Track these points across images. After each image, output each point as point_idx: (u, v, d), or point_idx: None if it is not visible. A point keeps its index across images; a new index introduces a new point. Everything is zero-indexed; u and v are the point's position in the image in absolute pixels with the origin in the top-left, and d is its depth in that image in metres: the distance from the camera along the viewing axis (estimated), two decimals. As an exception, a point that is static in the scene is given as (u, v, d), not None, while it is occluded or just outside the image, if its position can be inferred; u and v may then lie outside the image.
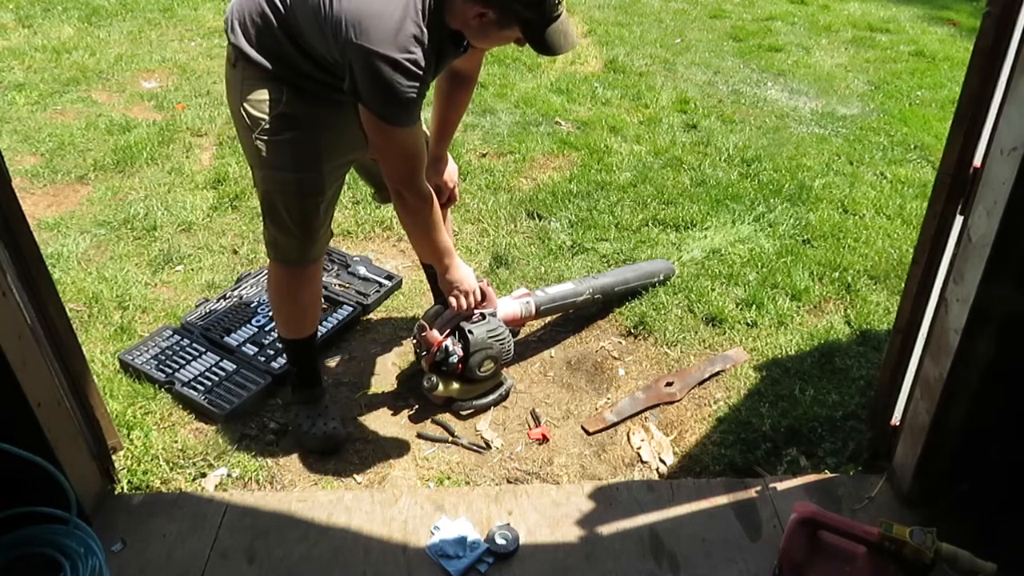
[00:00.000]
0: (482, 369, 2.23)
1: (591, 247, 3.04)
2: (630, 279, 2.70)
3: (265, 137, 1.84)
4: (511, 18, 1.69)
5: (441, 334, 2.22)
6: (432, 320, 2.25)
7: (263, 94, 1.83)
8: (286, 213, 1.92)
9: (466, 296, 2.15)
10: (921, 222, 1.89)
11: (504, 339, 2.26)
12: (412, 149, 1.82)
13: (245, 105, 1.84)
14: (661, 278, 2.78)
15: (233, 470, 2.10)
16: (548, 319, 2.66)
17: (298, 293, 2.09)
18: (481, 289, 2.30)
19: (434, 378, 2.21)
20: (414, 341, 2.32)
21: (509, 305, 2.39)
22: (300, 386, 2.23)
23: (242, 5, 1.82)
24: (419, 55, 1.67)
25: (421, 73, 1.68)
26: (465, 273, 2.13)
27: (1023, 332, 1.68)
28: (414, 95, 1.70)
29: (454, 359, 2.19)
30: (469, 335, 2.19)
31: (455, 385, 2.25)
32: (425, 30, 1.67)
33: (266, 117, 1.83)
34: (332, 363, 2.50)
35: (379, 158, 1.87)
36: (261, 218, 1.99)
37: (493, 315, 2.29)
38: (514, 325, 2.42)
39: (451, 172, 2.30)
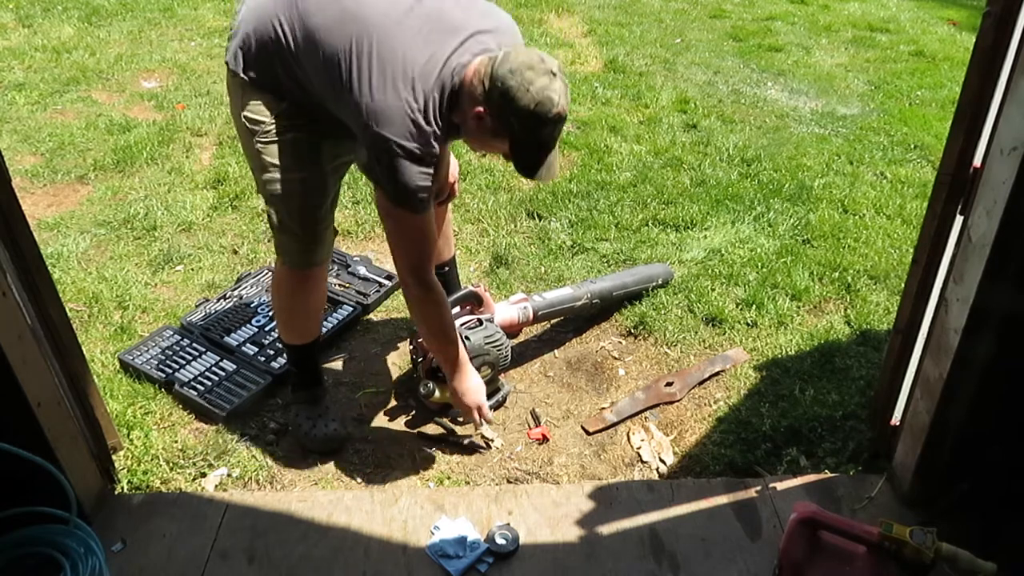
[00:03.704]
0: (479, 375, 2.22)
1: (591, 247, 3.04)
2: (628, 283, 2.70)
3: (266, 139, 1.85)
4: (504, 130, 1.70)
5: None
6: None
7: (264, 98, 1.84)
8: (289, 214, 1.92)
9: (468, 413, 2.09)
10: (921, 222, 1.89)
11: (501, 345, 2.25)
12: (422, 234, 1.84)
13: (246, 112, 1.85)
14: (660, 282, 2.78)
15: (233, 470, 2.10)
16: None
17: (303, 297, 2.08)
18: (478, 295, 2.30)
19: (431, 384, 2.20)
20: (411, 347, 2.31)
21: (506, 311, 2.39)
22: (301, 387, 2.23)
23: (248, 33, 1.81)
24: (435, 148, 1.72)
25: (436, 161, 1.73)
26: (471, 386, 2.06)
27: (1023, 332, 1.68)
28: (428, 183, 1.73)
29: None
30: (466, 341, 2.17)
31: None
32: (442, 124, 1.71)
33: (267, 120, 1.84)
34: (332, 363, 2.50)
35: (390, 244, 1.90)
36: (266, 223, 1.98)
37: (490, 321, 2.28)
38: (511, 331, 2.41)
39: (452, 169, 2.30)
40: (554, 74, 1.66)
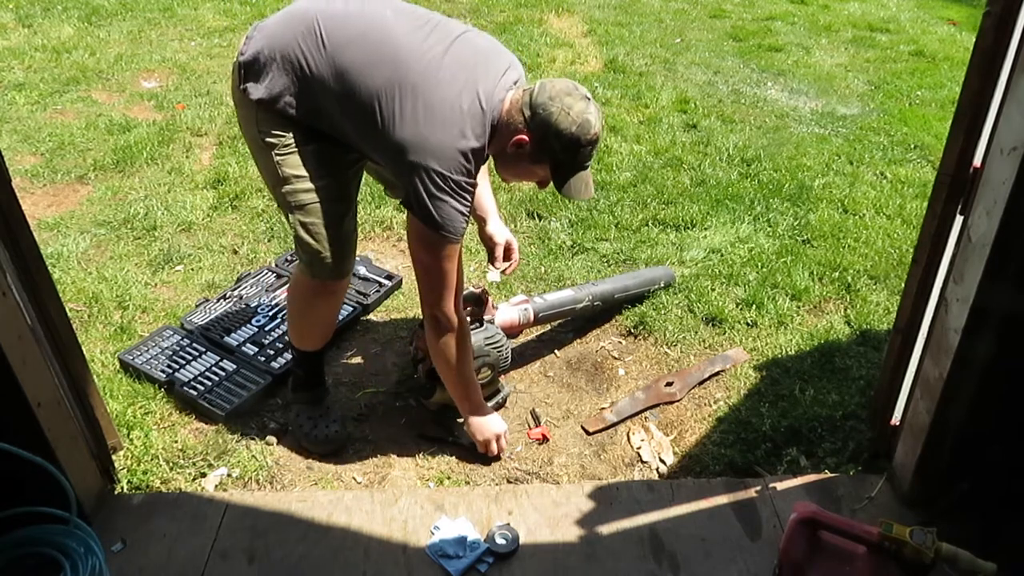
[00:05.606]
0: (478, 376, 2.22)
1: (591, 247, 3.04)
2: (630, 286, 2.70)
3: (286, 152, 1.84)
4: (545, 154, 1.77)
5: None
6: None
7: (282, 122, 1.83)
8: (316, 224, 1.89)
9: (486, 445, 2.13)
10: (921, 222, 1.89)
11: (501, 346, 2.25)
12: (454, 264, 1.87)
13: (262, 131, 1.84)
14: (661, 285, 2.77)
15: (233, 470, 2.10)
16: (548, 319, 2.66)
17: (323, 307, 2.07)
18: (478, 295, 2.29)
19: (430, 385, 2.20)
20: (411, 347, 2.31)
21: (507, 312, 2.39)
22: (303, 387, 2.22)
23: (266, 60, 1.79)
24: (476, 179, 1.79)
25: (474, 189, 1.80)
26: (486, 423, 2.11)
27: (1023, 332, 1.68)
28: (468, 210, 1.79)
29: None
30: None
31: None
32: (485, 149, 1.78)
33: (285, 135, 1.83)
34: (332, 363, 2.49)
35: (423, 281, 1.91)
36: (293, 237, 1.95)
37: (491, 322, 2.28)
38: (511, 332, 2.41)
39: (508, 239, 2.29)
40: (588, 99, 1.77)
